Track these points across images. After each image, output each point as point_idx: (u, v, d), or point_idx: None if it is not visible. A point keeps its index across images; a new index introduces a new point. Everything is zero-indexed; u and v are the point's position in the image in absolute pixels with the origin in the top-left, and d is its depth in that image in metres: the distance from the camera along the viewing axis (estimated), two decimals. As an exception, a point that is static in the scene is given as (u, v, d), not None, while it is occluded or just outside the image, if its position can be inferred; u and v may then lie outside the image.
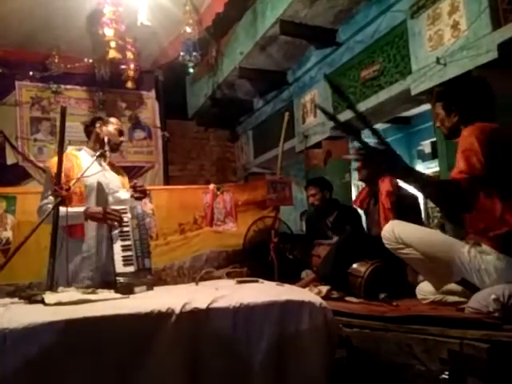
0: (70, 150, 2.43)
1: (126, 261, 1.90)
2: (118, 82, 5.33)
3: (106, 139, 2.33)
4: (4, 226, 3.49)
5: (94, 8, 4.24)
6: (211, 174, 6.84)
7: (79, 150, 2.40)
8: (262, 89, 5.62)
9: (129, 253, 1.92)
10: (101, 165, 2.35)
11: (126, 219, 2.03)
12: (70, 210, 2.07)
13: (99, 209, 2.11)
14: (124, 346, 1.30)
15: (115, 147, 2.42)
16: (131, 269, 1.88)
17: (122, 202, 2.28)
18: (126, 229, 2.00)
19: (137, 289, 1.75)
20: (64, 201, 1.99)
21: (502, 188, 1.63)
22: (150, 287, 1.82)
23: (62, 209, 2.03)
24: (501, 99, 1.82)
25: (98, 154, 2.26)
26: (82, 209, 2.13)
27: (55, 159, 2.18)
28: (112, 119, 2.45)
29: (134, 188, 2.30)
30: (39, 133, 5.37)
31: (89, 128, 2.44)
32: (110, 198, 2.31)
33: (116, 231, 2.00)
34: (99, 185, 2.28)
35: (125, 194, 2.34)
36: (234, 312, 1.45)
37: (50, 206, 2.08)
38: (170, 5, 4.14)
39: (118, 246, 1.95)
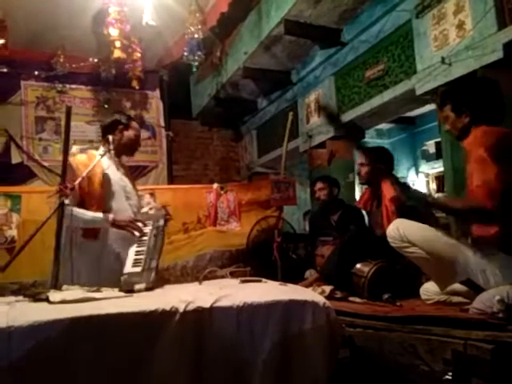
0: (92, 152, 2.34)
1: (136, 263, 1.95)
2: (122, 82, 5.35)
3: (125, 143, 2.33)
4: (9, 224, 3.51)
5: (99, 8, 4.25)
6: (215, 174, 6.85)
7: (101, 155, 2.24)
8: (266, 88, 5.62)
9: (140, 257, 1.97)
10: (118, 169, 2.35)
11: (146, 230, 2.07)
12: (92, 214, 2.11)
13: (126, 217, 2.13)
14: (128, 345, 1.31)
15: (133, 153, 2.42)
16: (138, 269, 1.91)
17: (146, 213, 2.26)
18: (144, 238, 2.05)
19: (136, 286, 1.76)
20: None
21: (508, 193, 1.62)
22: (150, 285, 1.83)
23: (80, 210, 2.07)
24: (506, 99, 1.81)
25: (102, 153, 2.24)
26: (101, 215, 2.12)
27: (80, 157, 2.20)
28: (133, 124, 2.40)
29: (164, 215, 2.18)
30: (44, 132, 5.40)
31: (109, 129, 2.36)
32: (128, 203, 2.29)
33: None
34: (118, 189, 2.28)
35: (149, 209, 2.30)
36: (237, 311, 1.45)
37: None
38: (175, 4, 4.15)
39: (132, 250, 2.01)
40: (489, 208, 1.57)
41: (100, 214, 2.13)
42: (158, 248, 1.99)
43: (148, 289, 1.77)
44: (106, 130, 2.39)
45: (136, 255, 1.98)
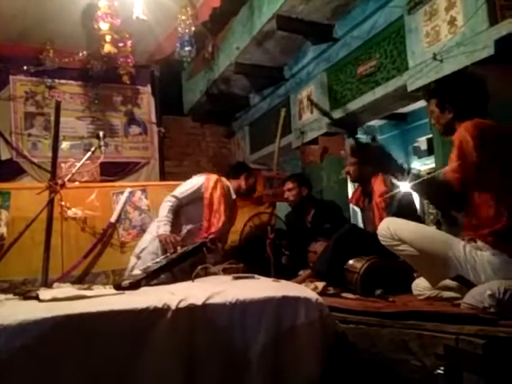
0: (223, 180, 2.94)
1: (145, 268, 2.10)
2: (113, 77, 5.27)
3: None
4: (-2, 221, 3.46)
5: (89, 2, 4.19)
6: (207, 170, 6.81)
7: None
8: (259, 84, 5.60)
9: (152, 266, 2.12)
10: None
11: (178, 249, 2.34)
12: (164, 222, 2.54)
13: (167, 234, 2.49)
14: (120, 342, 1.30)
15: (247, 196, 2.97)
16: (140, 273, 2.04)
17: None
18: (172, 255, 2.26)
19: (123, 282, 1.78)
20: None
21: (496, 186, 1.64)
22: (136, 282, 1.84)
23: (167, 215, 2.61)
24: (497, 95, 1.82)
25: (91, 149, 2.32)
26: (167, 228, 2.53)
27: (213, 182, 2.73)
28: (253, 176, 2.95)
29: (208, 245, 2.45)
30: (33, 128, 5.32)
31: (235, 170, 2.99)
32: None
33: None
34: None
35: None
36: (230, 308, 1.44)
37: (169, 203, 2.60)
38: (166, -1, 4.11)
39: (156, 259, 2.28)
40: (454, 187, 1.61)
41: (164, 224, 2.54)
42: (176, 263, 2.20)
43: (133, 284, 1.78)
44: (234, 169, 3.03)
45: (152, 264, 2.17)
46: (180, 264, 2.24)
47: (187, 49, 4.33)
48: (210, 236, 2.52)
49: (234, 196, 2.89)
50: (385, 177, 2.63)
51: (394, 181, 2.07)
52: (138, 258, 2.62)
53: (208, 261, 2.25)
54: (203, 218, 2.68)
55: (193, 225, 2.70)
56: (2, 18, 4.27)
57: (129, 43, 4.85)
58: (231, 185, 2.91)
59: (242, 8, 4.62)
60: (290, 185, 3.29)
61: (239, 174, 2.95)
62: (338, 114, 4.32)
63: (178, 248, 2.33)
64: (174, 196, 2.67)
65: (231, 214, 2.90)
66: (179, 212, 2.67)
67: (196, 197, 2.70)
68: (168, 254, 2.30)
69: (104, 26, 4.07)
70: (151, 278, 1.98)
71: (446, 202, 1.73)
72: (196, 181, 2.80)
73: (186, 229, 2.68)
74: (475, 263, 1.67)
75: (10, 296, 1.62)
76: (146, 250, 2.62)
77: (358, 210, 3.15)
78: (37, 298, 1.48)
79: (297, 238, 3.15)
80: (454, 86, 1.88)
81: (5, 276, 3.16)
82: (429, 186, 1.74)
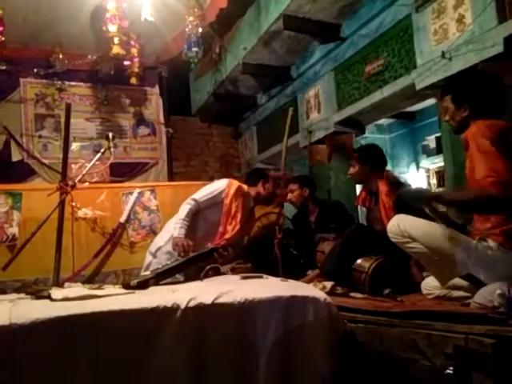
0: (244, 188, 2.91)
1: (154, 270, 2.14)
2: (121, 78, 5.32)
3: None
4: (10, 222, 3.52)
5: (98, 4, 4.23)
6: (215, 170, 6.83)
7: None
8: (266, 84, 5.60)
9: (161, 268, 2.13)
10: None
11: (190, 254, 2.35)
12: (180, 224, 2.55)
13: (181, 240, 2.46)
14: (130, 341, 1.31)
15: (268, 203, 2.96)
16: (148, 274, 2.08)
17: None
18: (181, 259, 2.27)
19: (132, 282, 1.80)
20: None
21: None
22: (145, 283, 1.86)
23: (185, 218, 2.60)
24: (506, 93, 1.80)
25: (101, 150, 2.34)
26: (182, 232, 2.52)
27: (234, 188, 2.71)
28: (271, 182, 2.92)
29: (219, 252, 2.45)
30: (44, 129, 5.39)
31: (252, 178, 2.97)
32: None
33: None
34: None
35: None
36: (239, 307, 1.45)
37: (188, 206, 2.61)
38: (174, 0, 4.13)
39: (167, 263, 2.30)
40: (498, 197, 1.53)
41: (180, 227, 2.54)
42: (185, 266, 2.22)
43: (141, 284, 1.80)
44: (252, 175, 3.02)
45: (162, 266, 2.18)
46: (190, 267, 2.25)
47: (194, 50, 4.35)
48: (222, 242, 2.53)
49: (251, 204, 2.88)
50: (388, 175, 2.64)
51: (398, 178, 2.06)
52: (154, 256, 2.65)
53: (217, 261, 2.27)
54: (220, 223, 2.69)
55: (208, 228, 2.70)
56: (13, 21, 4.33)
57: (137, 45, 4.89)
58: (251, 192, 2.89)
59: (248, 8, 4.63)
60: (292, 186, 3.30)
61: (257, 182, 2.93)
62: (345, 114, 4.31)
63: (190, 253, 2.35)
64: (194, 199, 2.68)
65: (247, 223, 2.90)
66: (197, 214, 2.67)
67: (216, 202, 2.71)
68: (178, 258, 2.31)
69: (112, 28, 4.11)
70: (159, 279, 2.00)
71: (491, 212, 1.67)
72: (217, 185, 2.79)
73: (201, 231, 2.68)
74: (485, 262, 1.66)
75: (23, 295, 1.65)
76: (162, 249, 2.64)
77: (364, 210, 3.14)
78: (49, 297, 1.50)
79: (304, 238, 3.15)
80: (470, 83, 1.85)
81: (17, 276, 3.20)
82: (469, 204, 1.68)
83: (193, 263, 2.24)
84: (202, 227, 2.71)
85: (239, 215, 2.70)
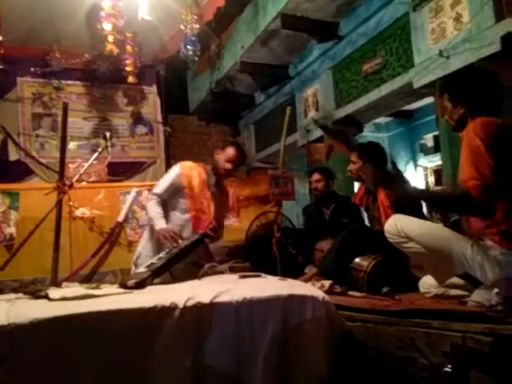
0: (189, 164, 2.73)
1: (149, 265, 2.05)
2: (119, 77, 5.30)
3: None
4: (8, 222, 3.51)
5: (94, 2, 4.22)
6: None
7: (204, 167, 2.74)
8: (264, 83, 5.60)
9: (157, 262, 2.07)
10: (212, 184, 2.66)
11: (180, 242, 2.23)
12: (155, 215, 2.38)
13: (167, 230, 2.31)
14: (128, 341, 1.31)
15: (222, 173, 2.71)
16: (145, 271, 2.00)
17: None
18: (174, 250, 2.18)
19: (129, 282, 1.78)
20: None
21: (505, 186, 1.62)
22: (141, 281, 1.85)
23: (154, 206, 2.41)
24: (503, 91, 1.81)
25: (98, 150, 2.30)
26: (158, 220, 2.36)
27: (188, 169, 2.57)
28: (229, 149, 2.74)
29: (209, 235, 2.35)
30: (41, 129, 5.38)
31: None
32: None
33: None
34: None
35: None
36: (237, 306, 1.45)
37: (151, 202, 2.43)
38: (171, -1, 4.13)
39: (158, 255, 2.18)
40: (480, 201, 1.53)
41: (158, 220, 2.36)
42: (179, 258, 2.15)
43: (139, 284, 1.79)
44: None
45: (156, 260, 2.11)
46: (184, 258, 2.19)
47: (192, 48, 4.35)
48: (210, 226, 2.43)
49: (213, 177, 2.70)
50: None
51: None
52: (135, 265, 2.51)
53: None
54: (190, 208, 2.52)
55: (182, 218, 2.54)
56: (10, 20, 4.31)
57: (133, 43, 4.88)
58: (207, 167, 2.76)
59: (246, 7, 4.62)
60: (318, 176, 3.41)
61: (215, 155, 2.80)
62: (343, 112, 4.31)
63: (180, 241, 2.24)
64: (155, 193, 2.51)
65: (221, 197, 2.74)
66: (166, 206, 2.51)
67: (177, 188, 2.53)
68: (167, 250, 2.20)
69: (107, 27, 4.09)
70: (157, 274, 1.97)
71: (470, 214, 1.68)
72: (171, 171, 2.63)
73: (178, 223, 2.50)
74: (483, 261, 1.66)
75: (21, 295, 1.64)
76: (141, 257, 2.49)
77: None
78: (47, 297, 1.49)
79: (310, 233, 3.20)
80: (467, 81, 1.85)
81: (15, 275, 3.20)
82: (447, 202, 1.71)
83: (187, 252, 2.18)
84: (175, 219, 2.53)
85: (207, 193, 2.59)
